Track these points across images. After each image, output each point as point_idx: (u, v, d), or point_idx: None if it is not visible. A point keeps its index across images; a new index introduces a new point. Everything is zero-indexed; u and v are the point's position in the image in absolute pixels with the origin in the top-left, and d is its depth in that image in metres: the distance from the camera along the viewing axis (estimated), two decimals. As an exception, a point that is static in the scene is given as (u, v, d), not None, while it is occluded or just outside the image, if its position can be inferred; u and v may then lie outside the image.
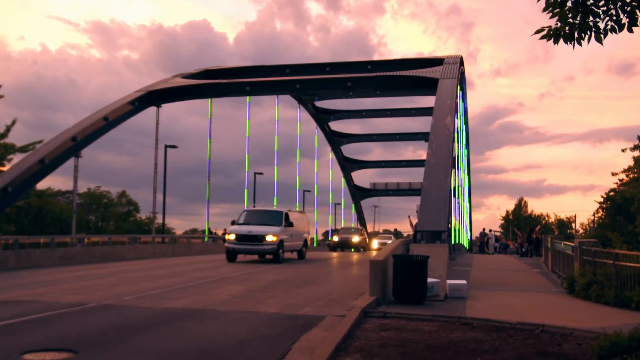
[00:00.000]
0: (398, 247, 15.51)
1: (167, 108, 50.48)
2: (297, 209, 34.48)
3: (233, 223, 24.97)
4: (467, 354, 7.68)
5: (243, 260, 24.10)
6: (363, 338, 8.59)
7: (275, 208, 27.80)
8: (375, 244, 50.13)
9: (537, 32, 6.42)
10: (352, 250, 41.21)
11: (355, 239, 42.05)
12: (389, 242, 48.03)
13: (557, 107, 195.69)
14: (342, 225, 57.61)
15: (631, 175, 38.24)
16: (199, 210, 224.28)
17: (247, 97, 39.05)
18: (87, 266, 21.36)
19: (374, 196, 66.95)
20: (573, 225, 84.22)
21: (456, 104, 28.11)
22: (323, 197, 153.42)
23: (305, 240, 27.66)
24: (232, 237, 23.55)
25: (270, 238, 22.94)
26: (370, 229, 68.18)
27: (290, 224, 24.25)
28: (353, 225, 57.78)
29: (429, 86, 27.69)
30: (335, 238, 43.12)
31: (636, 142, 34.01)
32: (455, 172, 35.20)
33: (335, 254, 35.08)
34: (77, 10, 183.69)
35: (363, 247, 43.06)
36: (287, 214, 24.63)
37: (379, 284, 12.01)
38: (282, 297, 12.79)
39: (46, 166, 23.27)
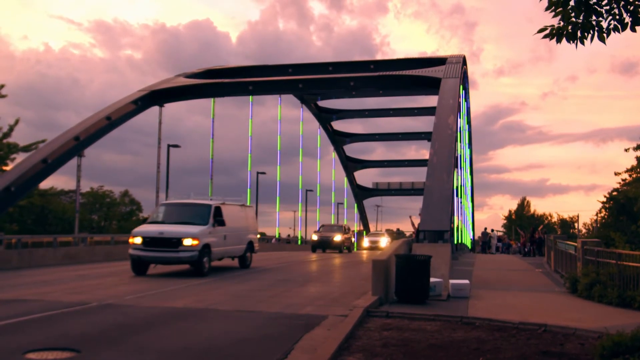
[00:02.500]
0: (401, 247, 15.51)
1: (170, 107, 50.57)
2: (248, 202, 30.79)
3: (144, 221, 18.91)
4: (469, 354, 7.67)
5: (155, 273, 17.76)
6: (365, 337, 8.59)
7: (210, 199, 20.35)
8: (366, 242, 48.69)
9: (540, 31, 6.41)
10: (339, 251, 35.69)
11: (338, 237, 35.64)
12: (382, 240, 46.73)
13: (560, 106, 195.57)
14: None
15: (634, 175, 38.14)
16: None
17: (250, 96, 39.08)
18: (89, 265, 21.39)
19: (377, 196, 66.96)
20: (576, 225, 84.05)
21: (459, 103, 28.09)
22: (326, 197, 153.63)
23: (251, 243, 20.88)
24: (137, 240, 17.06)
25: (188, 242, 16.61)
26: (372, 228, 68.03)
27: (221, 222, 18.20)
28: (345, 222, 53.63)
29: (431, 86, 27.68)
30: (315, 237, 36.55)
31: (639, 142, 33.91)
32: (457, 172, 35.17)
33: (313, 256, 29.95)
34: (80, 10, 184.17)
35: (348, 248, 37.69)
36: (217, 208, 18.35)
37: (381, 284, 12.00)
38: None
39: (49, 165, 23.31)
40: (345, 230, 38.31)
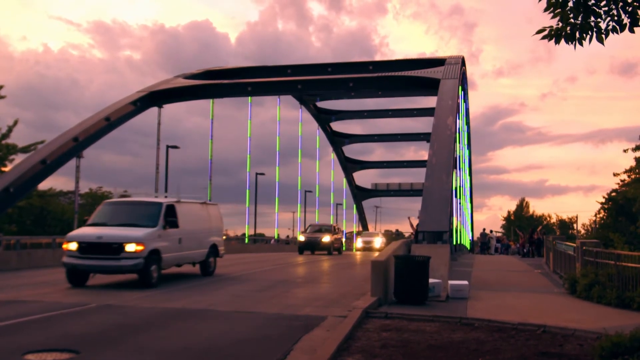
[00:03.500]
0: (400, 248, 15.52)
1: (169, 108, 50.50)
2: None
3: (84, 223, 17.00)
4: (468, 355, 7.68)
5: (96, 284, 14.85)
6: (364, 338, 8.60)
7: (165, 196, 18.15)
8: (359, 243, 47.80)
9: (539, 32, 6.42)
10: (327, 252, 33.44)
11: (326, 238, 33.40)
12: (376, 240, 46.13)
13: (560, 107, 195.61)
14: (344, 227, 56.84)
15: (633, 176, 38.15)
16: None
17: (249, 97, 39.10)
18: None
19: (376, 197, 66.93)
20: (575, 225, 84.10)
21: (458, 104, 28.12)
22: (324, 198, 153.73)
23: (214, 247, 18.07)
24: (72, 246, 14.47)
25: (131, 247, 14.06)
26: (371, 229, 67.92)
27: (174, 223, 15.63)
28: (332, 221, 51.14)
29: (430, 87, 27.71)
30: (301, 238, 34.41)
31: (638, 143, 33.86)
32: (456, 173, 35.21)
33: (300, 259, 27.73)
34: (79, 11, 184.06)
35: (337, 249, 35.25)
36: (170, 207, 15.74)
37: (380, 285, 12.01)
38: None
39: (48, 166, 23.31)
40: (334, 230, 36.17)
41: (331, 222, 46.98)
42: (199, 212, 17.80)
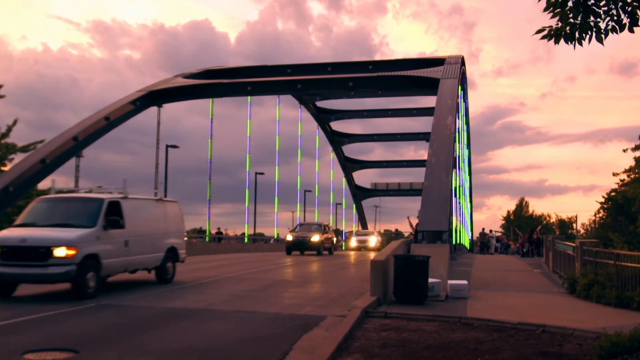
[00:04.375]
0: (399, 247, 15.51)
1: (169, 108, 50.49)
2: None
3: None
4: (468, 354, 7.68)
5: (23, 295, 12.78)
6: (364, 338, 8.60)
7: (109, 192, 15.08)
8: (353, 242, 46.53)
9: (538, 32, 6.42)
10: (317, 253, 31.49)
11: (316, 237, 31.30)
12: (371, 239, 45.01)
13: (559, 107, 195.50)
14: (343, 226, 56.71)
15: (632, 176, 38.15)
16: (201, 210, 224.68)
17: (249, 97, 39.10)
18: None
19: (375, 196, 66.94)
20: (574, 225, 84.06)
21: (457, 104, 28.13)
22: (324, 197, 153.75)
23: (173, 250, 15.83)
24: None
25: (61, 252, 11.94)
26: (371, 228, 67.88)
27: (117, 224, 13.40)
28: (323, 221, 46.79)
29: (430, 86, 27.71)
30: (289, 237, 32.21)
31: (637, 142, 33.83)
32: (456, 172, 35.23)
33: (288, 260, 26.07)
34: (79, 10, 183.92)
35: (328, 249, 33.18)
36: (112, 204, 13.61)
37: (380, 284, 12.02)
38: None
39: (47, 166, 23.31)
40: (324, 229, 33.78)
41: (329, 221, 46.66)
42: (152, 210, 15.45)
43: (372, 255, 30.40)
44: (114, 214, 13.42)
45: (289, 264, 23.83)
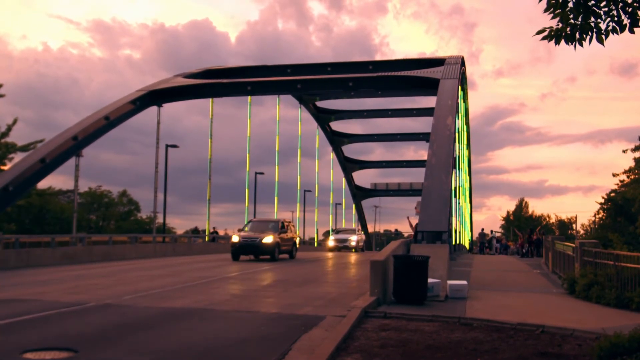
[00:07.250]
0: (399, 248, 15.51)
1: (169, 107, 50.42)
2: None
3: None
4: (467, 355, 7.68)
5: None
6: (363, 338, 8.59)
7: None
8: (330, 241, 40.67)
9: (538, 32, 6.42)
10: (270, 257, 24.91)
11: (268, 239, 24.76)
12: (353, 238, 39.91)
13: (559, 107, 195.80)
14: (343, 226, 55.72)
15: (632, 177, 38.19)
16: (200, 210, 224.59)
17: (249, 97, 39.09)
18: (87, 265, 21.37)
19: (375, 196, 66.97)
20: (574, 226, 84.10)
21: (457, 104, 28.13)
22: (324, 197, 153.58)
23: None
24: None
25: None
26: (370, 229, 67.98)
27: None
28: (274, 215, 42.25)
29: (430, 86, 27.74)
30: (235, 238, 25.41)
31: (637, 143, 33.90)
32: (456, 173, 35.24)
33: (233, 270, 19.69)
34: (79, 9, 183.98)
35: (289, 252, 26.99)
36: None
37: (379, 284, 12.01)
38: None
39: (47, 165, 23.32)
40: (282, 227, 26.43)
41: (329, 221, 45.49)
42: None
43: (352, 258, 28.80)
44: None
45: (216, 278, 16.91)
